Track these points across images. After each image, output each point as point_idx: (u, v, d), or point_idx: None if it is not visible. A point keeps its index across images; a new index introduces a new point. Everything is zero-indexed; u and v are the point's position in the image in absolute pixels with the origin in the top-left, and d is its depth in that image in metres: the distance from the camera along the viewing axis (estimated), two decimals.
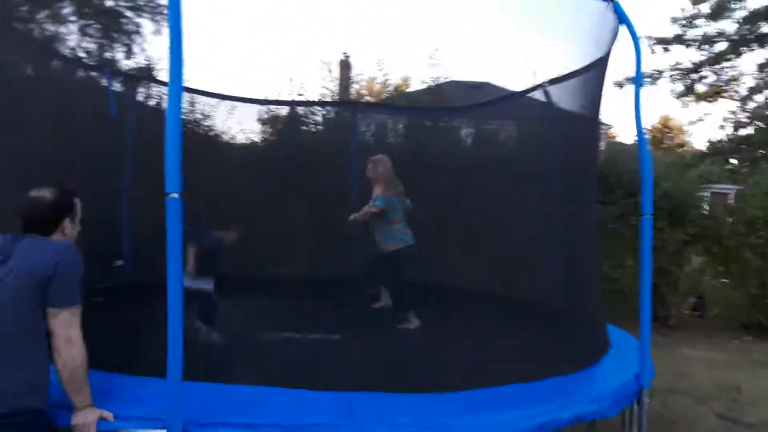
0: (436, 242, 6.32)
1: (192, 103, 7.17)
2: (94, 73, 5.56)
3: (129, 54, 15.64)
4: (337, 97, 12.21)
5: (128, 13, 15.33)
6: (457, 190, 6.12)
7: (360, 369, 2.93)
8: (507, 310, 4.16)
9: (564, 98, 4.27)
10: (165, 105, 6.53)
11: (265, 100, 7.29)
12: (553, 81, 4.47)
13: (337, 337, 4.14)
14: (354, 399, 2.55)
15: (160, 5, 15.19)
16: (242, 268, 6.17)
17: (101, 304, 3.91)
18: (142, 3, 14.02)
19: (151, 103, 6.90)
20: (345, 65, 14.10)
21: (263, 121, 7.91)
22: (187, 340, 2.20)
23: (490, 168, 6.03)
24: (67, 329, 2.06)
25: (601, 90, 3.72)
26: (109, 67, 5.40)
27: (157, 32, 15.01)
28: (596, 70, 3.62)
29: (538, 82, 4.83)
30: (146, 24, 13.46)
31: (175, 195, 2.17)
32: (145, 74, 7.77)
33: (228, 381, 2.61)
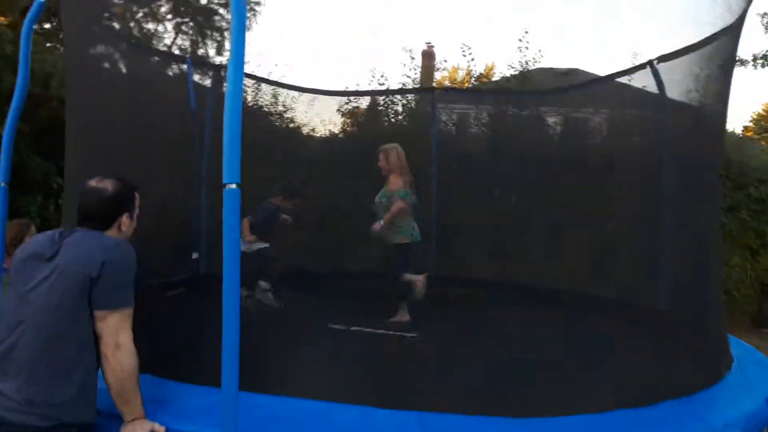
0: (523, 239, 5.90)
1: (275, 96, 7.23)
2: (175, 65, 5.52)
3: (220, 50, 16.17)
4: (417, 86, 11.89)
5: (221, 11, 15.91)
6: (550, 183, 5.65)
7: (435, 384, 2.60)
8: (608, 319, 3.68)
9: (678, 79, 3.70)
10: (248, 97, 6.56)
11: (343, 91, 7.10)
12: (663, 58, 3.92)
13: (415, 335, 4.00)
14: (427, 420, 2.23)
15: (251, 1, 15.54)
16: (318, 263, 6.06)
17: (165, 302, 3.86)
18: None
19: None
20: (428, 55, 13.75)
21: (343, 113, 7.78)
22: (246, 347, 1.98)
23: (586, 160, 5.49)
24: (115, 334, 1.87)
25: (729, 68, 3.11)
26: (190, 58, 5.28)
27: (248, 28, 15.50)
28: (723, 41, 3.04)
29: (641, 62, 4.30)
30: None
31: (233, 186, 1.94)
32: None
33: (291, 394, 2.36)
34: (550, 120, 6.58)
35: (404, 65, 11.64)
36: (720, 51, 3.13)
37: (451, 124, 7.12)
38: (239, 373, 1.94)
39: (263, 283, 4.24)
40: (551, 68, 10.54)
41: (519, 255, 5.98)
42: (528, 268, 5.83)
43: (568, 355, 2.81)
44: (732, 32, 2.94)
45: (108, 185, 2.08)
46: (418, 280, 4.67)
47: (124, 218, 2.09)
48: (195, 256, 4.74)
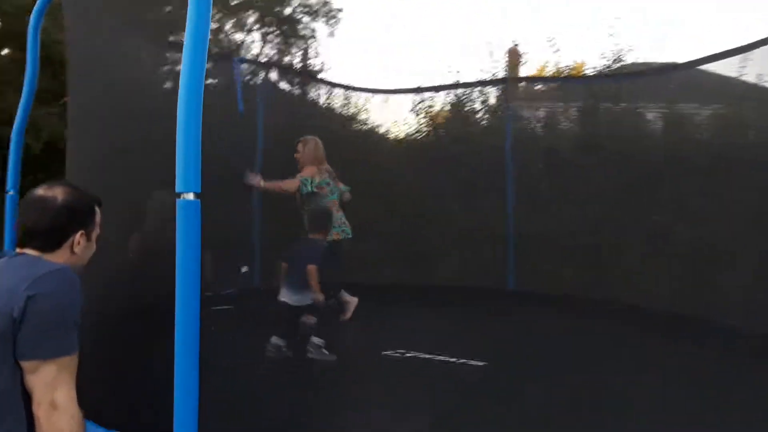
0: (619, 250, 5.11)
1: (346, 98, 6.92)
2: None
3: (305, 57, 16.33)
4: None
5: (305, 19, 16.08)
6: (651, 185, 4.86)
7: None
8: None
9: None
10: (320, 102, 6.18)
11: (414, 88, 6.60)
12: None
13: (483, 363, 3.46)
14: None
15: (333, 9, 15.56)
16: (383, 276, 5.56)
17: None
18: (317, 7, 14.49)
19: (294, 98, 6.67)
20: (514, 53, 12.91)
21: (416, 112, 7.30)
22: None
23: (697, 159, 4.64)
24: (50, 390, 1.40)
25: None
26: (237, 57, 4.99)
27: (330, 35, 15.46)
28: None
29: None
30: (320, 27, 13.89)
31: (191, 196, 1.50)
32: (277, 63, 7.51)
33: None
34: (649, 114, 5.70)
35: (485, 62, 10.65)
36: None
37: (534, 121, 6.43)
38: None
39: (317, 339, 3.56)
40: (646, 63, 9.42)
41: (617, 268, 5.20)
42: (623, 285, 5.05)
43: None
44: None
45: (58, 194, 1.62)
46: (353, 302, 4.07)
47: (78, 237, 1.62)
48: (244, 269, 4.40)
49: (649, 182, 4.98)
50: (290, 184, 3.96)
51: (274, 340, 3.50)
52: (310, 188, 3.90)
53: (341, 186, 4.17)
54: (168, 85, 4.10)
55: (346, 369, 3.36)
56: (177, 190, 1.49)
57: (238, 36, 15.98)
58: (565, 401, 2.81)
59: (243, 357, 3.19)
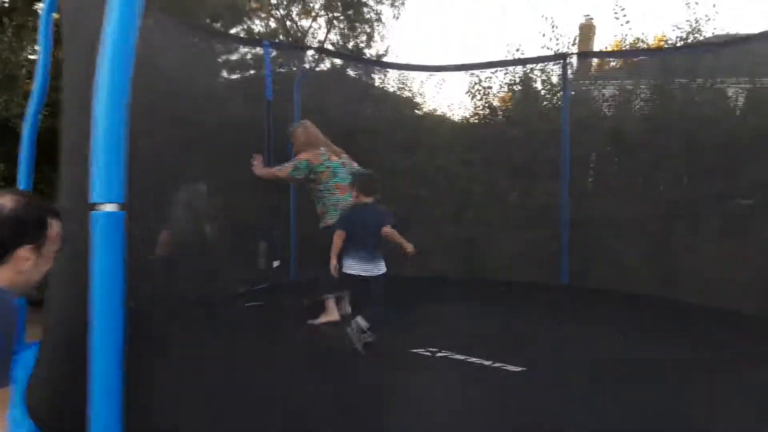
0: (696, 242, 4.58)
1: (402, 82, 6.67)
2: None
3: (369, 41, 16.09)
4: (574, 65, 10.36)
5: (370, 2, 15.80)
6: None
7: None
8: None
9: None
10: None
11: (468, 65, 6.18)
12: None
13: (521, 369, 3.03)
14: None
15: None
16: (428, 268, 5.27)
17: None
18: None
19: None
20: (586, 28, 12.03)
21: (473, 94, 6.92)
22: None
23: None
24: None
25: None
26: (267, 41, 4.75)
27: (395, 17, 15.06)
28: None
29: None
30: (386, 10, 13.57)
31: (112, 207, 1.31)
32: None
33: None
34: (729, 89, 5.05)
35: (545, 35, 9.10)
36: None
37: (599, 99, 5.88)
38: None
39: (362, 322, 3.19)
40: (728, 34, 8.40)
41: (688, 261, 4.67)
42: (697, 280, 4.52)
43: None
44: None
45: (6, 202, 1.46)
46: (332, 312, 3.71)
47: (22, 252, 1.43)
48: (276, 263, 4.28)
49: (726, 165, 4.41)
50: (282, 171, 3.90)
51: (360, 320, 3.18)
52: (300, 173, 3.79)
53: (354, 165, 3.92)
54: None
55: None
56: (93, 200, 1.30)
57: (304, 22, 15.93)
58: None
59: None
